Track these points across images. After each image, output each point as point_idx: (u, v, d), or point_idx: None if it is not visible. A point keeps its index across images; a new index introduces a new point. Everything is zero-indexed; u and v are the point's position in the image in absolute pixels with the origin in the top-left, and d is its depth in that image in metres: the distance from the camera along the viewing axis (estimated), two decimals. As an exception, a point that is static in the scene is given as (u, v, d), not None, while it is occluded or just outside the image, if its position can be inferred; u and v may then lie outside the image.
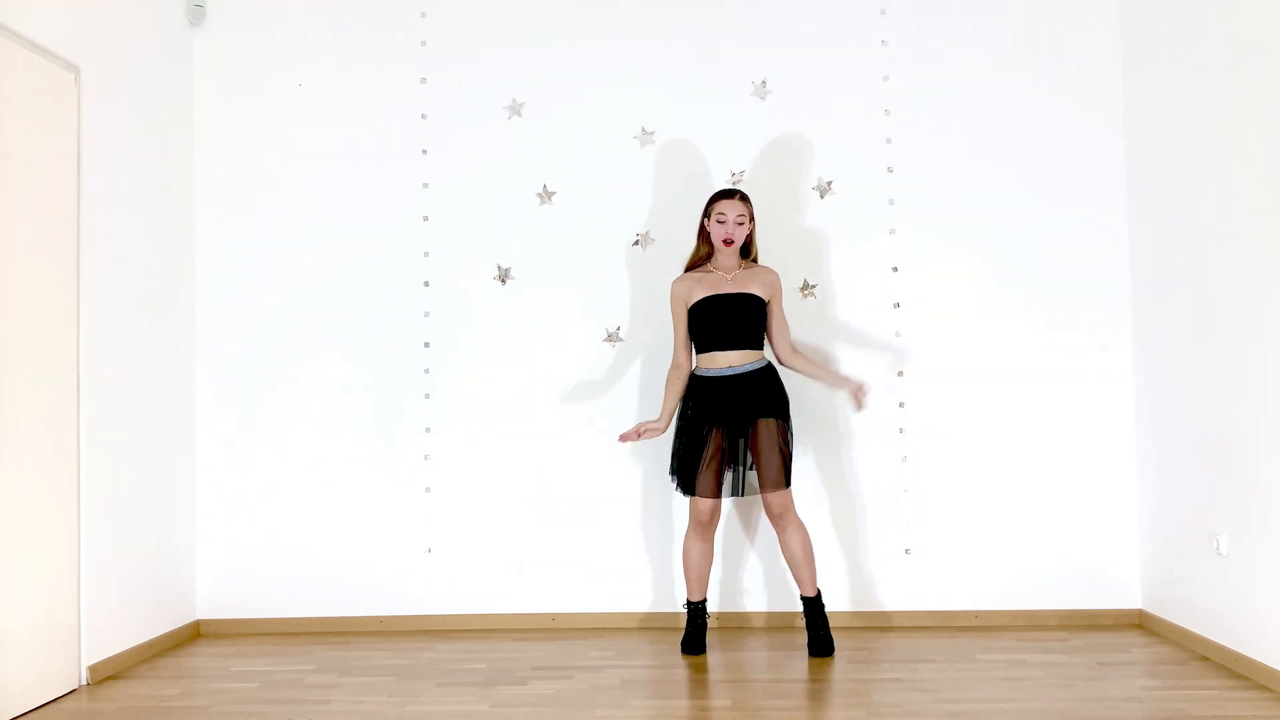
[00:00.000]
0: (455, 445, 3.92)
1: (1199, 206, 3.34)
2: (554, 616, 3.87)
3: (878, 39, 3.90)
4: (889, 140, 3.88)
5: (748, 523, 3.85)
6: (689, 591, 3.54)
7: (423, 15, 3.98)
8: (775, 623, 3.83)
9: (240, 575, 3.92)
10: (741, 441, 3.40)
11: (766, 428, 3.36)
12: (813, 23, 3.90)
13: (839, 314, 3.86)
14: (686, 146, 3.91)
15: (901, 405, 3.85)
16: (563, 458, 3.89)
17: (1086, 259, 3.82)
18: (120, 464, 3.45)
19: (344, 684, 3.23)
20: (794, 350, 3.55)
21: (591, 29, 3.94)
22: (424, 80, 3.97)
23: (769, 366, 3.46)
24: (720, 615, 3.83)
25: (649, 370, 3.88)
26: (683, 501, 3.70)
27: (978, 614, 3.80)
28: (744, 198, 3.47)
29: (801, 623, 3.70)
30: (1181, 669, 3.21)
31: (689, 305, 3.47)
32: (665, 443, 3.79)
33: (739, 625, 3.83)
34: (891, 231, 3.87)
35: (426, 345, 3.94)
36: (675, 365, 3.52)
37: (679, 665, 3.38)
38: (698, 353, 3.49)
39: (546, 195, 3.93)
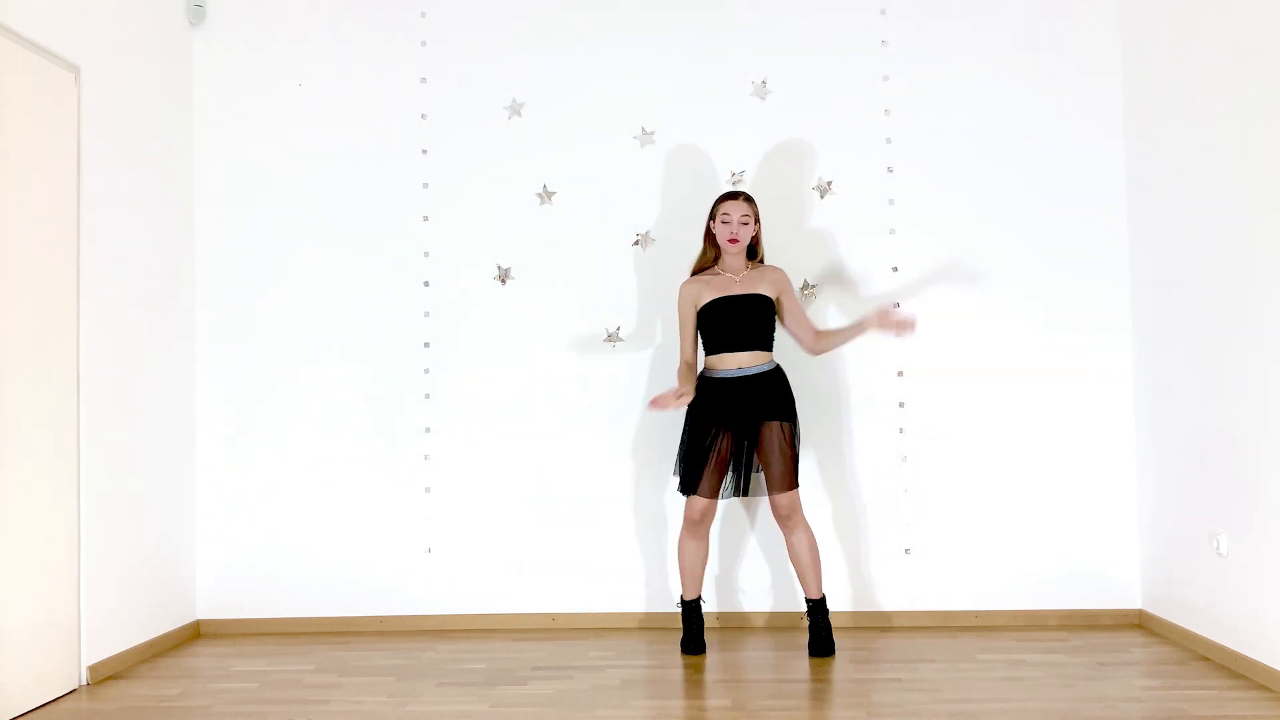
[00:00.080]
0: (455, 445, 3.92)
1: (1199, 206, 3.34)
2: (554, 616, 3.87)
3: (878, 39, 3.90)
4: (889, 140, 3.88)
5: (744, 522, 3.85)
6: (684, 590, 3.54)
7: (423, 15, 3.98)
8: (775, 623, 3.83)
9: (240, 575, 3.92)
10: (747, 443, 3.40)
11: (774, 430, 3.37)
12: (813, 23, 3.91)
13: (839, 314, 3.85)
14: (687, 147, 3.91)
15: (901, 405, 3.85)
16: (563, 458, 3.89)
17: (1086, 259, 3.82)
18: (120, 464, 3.45)
19: (344, 684, 3.23)
20: (818, 333, 3.53)
21: (591, 29, 3.94)
22: (424, 80, 3.97)
23: (777, 369, 3.46)
24: (720, 615, 3.83)
25: (649, 370, 3.88)
26: (681, 501, 3.69)
27: (978, 614, 3.81)
28: (748, 198, 3.48)
29: (801, 622, 3.71)
30: (1181, 669, 3.21)
31: (698, 307, 3.48)
32: (667, 442, 3.80)
33: (739, 625, 3.83)
34: (891, 231, 3.87)
35: (426, 345, 3.94)
36: (684, 361, 3.51)
37: (679, 665, 3.38)
38: (707, 354, 3.49)
39: (546, 195, 3.93)
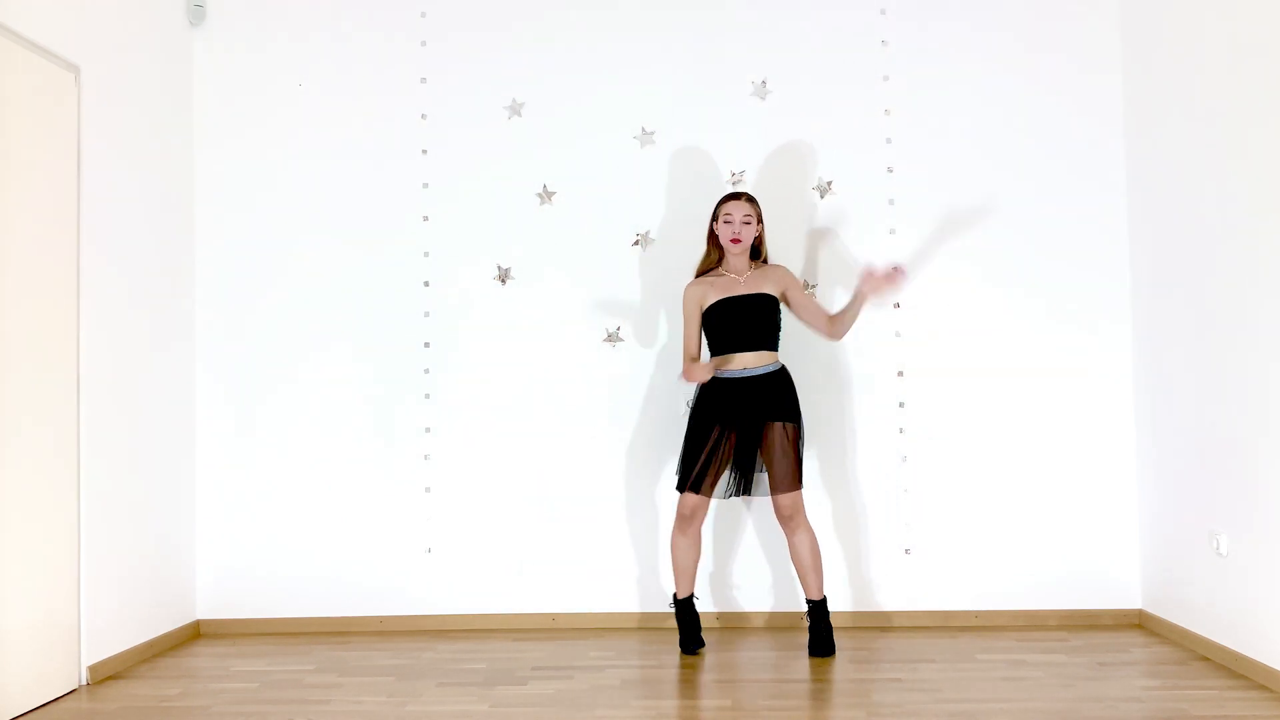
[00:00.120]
0: (455, 445, 3.92)
1: (1199, 206, 3.34)
2: (554, 616, 3.87)
3: (878, 39, 3.90)
4: (889, 140, 3.88)
5: (744, 521, 3.85)
6: (676, 587, 3.54)
7: (423, 15, 3.98)
8: (775, 623, 3.83)
9: (240, 575, 3.92)
10: (751, 443, 3.41)
11: (778, 430, 3.37)
12: (813, 23, 3.90)
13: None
14: (687, 147, 3.91)
15: (901, 405, 3.85)
16: (563, 458, 3.89)
17: (1086, 259, 3.82)
18: (120, 464, 3.45)
19: (344, 684, 3.23)
20: (831, 319, 3.50)
21: (591, 29, 3.94)
22: (424, 80, 3.97)
23: (782, 369, 3.46)
24: (720, 615, 3.83)
25: (649, 370, 3.88)
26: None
27: (978, 614, 3.81)
28: (750, 199, 3.48)
29: (801, 622, 3.71)
30: (1181, 669, 3.21)
31: (703, 308, 3.47)
32: (667, 442, 3.80)
33: (739, 625, 3.83)
34: (891, 231, 3.87)
35: (426, 345, 3.94)
36: (690, 358, 3.49)
37: (679, 665, 3.38)
38: (713, 355, 3.49)
39: (546, 195, 3.93)
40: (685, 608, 3.54)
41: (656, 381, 3.87)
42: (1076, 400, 3.81)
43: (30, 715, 2.99)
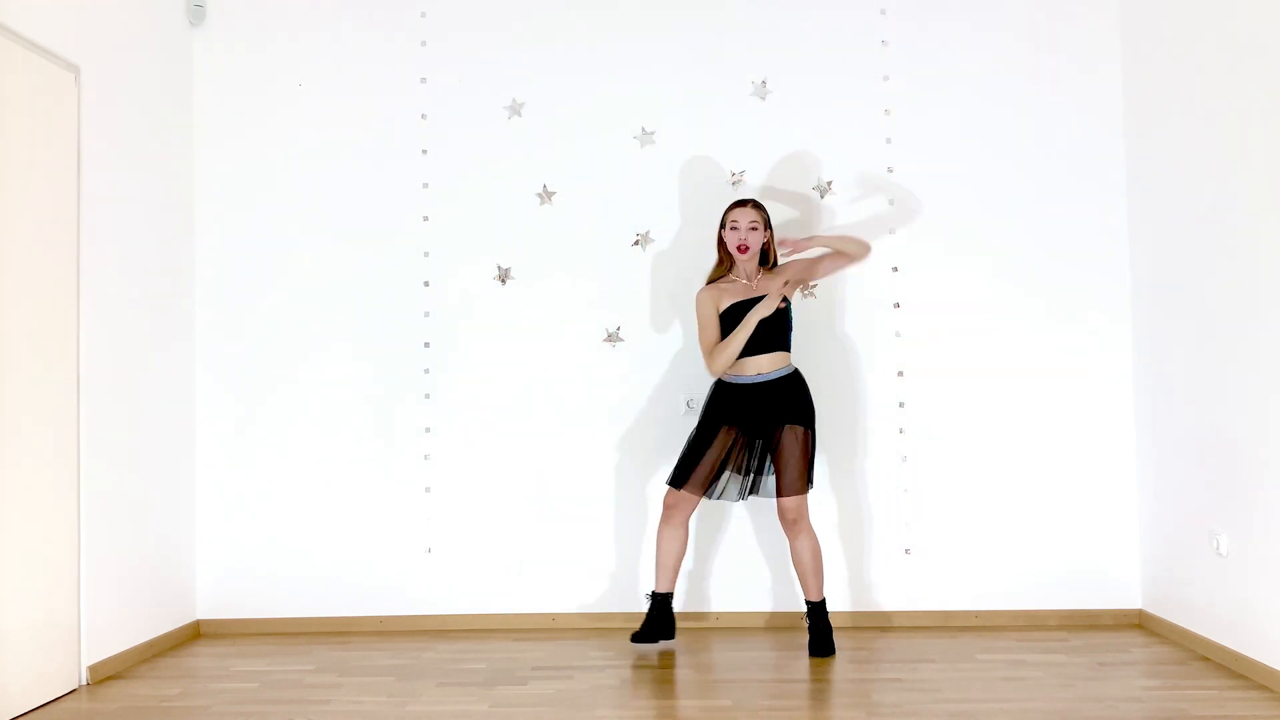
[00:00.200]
0: (455, 445, 3.92)
1: (1199, 207, 3.34)
2: (554, 616, 3.87)
3: (878, 39, 3.90)
4: (889, 140, 3.88)
5: (744, 521, 3.84)
6: (656, 580, 3.52)
7: (423, 15, 3.98)
8: (775, 623, 3.83)
9: (240, 575, 3.92)
10: (762, 445, 3.42)
11: (791, 434, 3.38)
12: (813, 23, 3.90)
13: (839, 314, 3.86)
14: (687, 147, 3.90)
15: (901, 405, 3.85)
16: (563, 458, 3.89)
17: (1087, 259, 3.82)
18: (120, 464, 3.45)
19: (344, 684, 3.23)
20: (833, 256, 3.53)
21: (591, 29, 3.94)
22: (424, 80, 3.97)
23: (796, 373, 3.47)
24: (719, 615, 3.84)
25: (650, 370, 3.88)
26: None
27: (978, 614, 3.80)
28: (757, 205, 3.49)
29: (801, 623, 3.70)
30: (1181, 669, 3.21)
31: (720, 312, 3.47)
32: (667, 442, 3.80)
33: (739, 625, 3.83)
34: (891, 231, 3.87)
35: (426, 345, 3.94)
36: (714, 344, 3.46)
37: (679, 665, 3.38)
38: None
39: (546, 195, 3.92)
40: (660, 604, 3.51)
41: (657, 381, 3.87)
42: (1076, 400, 3.81)
43: (30, 715, 2.99)
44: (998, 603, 3.80)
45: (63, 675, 3.16)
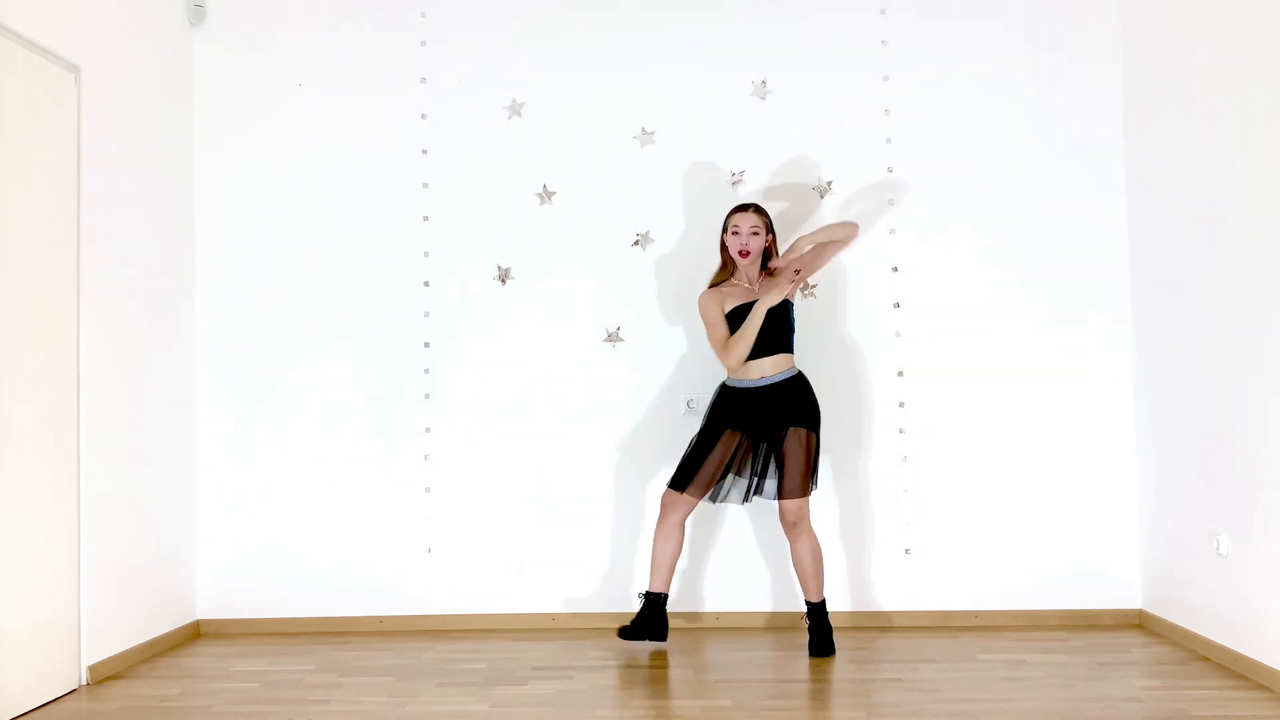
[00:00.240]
0: (455, 445, 3.92)
1: (1199, 206, 3.34)
2: (554, 616, 3.87)
3: (878, 39, 3.90)
4: (889, 140, 3.88)
5: (744, 521, 3.84)
6: (650, 581, 3.51)
7: (423, 15, 3.98)
8: (775, 623, 3.83)
9: (240, 575, 3.92)
10: (767, 448, 3.42)
11: (795, 436, 3.38)
12: (813, 23, 3.90)
13: (839, 314, 3.86)
14: (687, 146, 3.91)
15: (901, 405, 3.85)
16: (563, 458, 3.89)
17: (1087, 259, 3.82)
18: (120, 463, 3.45)
19: (344, 684, 3.23)
20: (825, 245, 3.50)
21: (591, 29, 3.94)
22: (424, 80, 3.97)
23: (800, 375, 3.47)
24: (719, 615, 3.84)
25: (649, 370, 3.88)
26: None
27: (978, 614, 3.81)
28: (758, 210, 3.49)
29: (802, 623, 3.70)
30: (1181, 669, 3.21)
31: (724, 314, 3.46)
32: (669, 443, 3.80)
33: (739, 625, 3.83)
34: (891, 231, 3.87)
35: (426, 345, 3.94)
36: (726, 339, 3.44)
37: (679, 665, 3.38)
38: None
39: (546, 195, 3.92)
40: (652, 604, 3.50)
41: (657, 381, 3.87)
42: (1076, 400, 3.81)
43: (30, 715, 2.99)
44: (998, 603, 3.80)
45: (63, 675, 3.17)
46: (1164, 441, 3.60)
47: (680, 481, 3.44)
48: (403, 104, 3.96)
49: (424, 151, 3.96)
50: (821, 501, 3.80)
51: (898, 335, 3.85)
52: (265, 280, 3.96)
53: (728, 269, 3.56)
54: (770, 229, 3.52)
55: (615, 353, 3.90)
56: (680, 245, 3.86)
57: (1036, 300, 3.83)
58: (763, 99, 3.90)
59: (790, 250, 3.45)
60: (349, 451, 3.92)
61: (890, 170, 3.87)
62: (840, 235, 3.50)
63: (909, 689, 3.05)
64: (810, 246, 3.46)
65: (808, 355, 3.71)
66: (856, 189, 3.87)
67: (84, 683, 3.25)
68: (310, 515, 3.92)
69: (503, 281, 3.93)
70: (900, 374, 3.85)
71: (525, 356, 3.91)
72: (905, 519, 3.83)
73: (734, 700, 2.98)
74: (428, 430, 3.92)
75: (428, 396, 3.93)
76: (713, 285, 3.57)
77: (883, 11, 3.89)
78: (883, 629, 3.78)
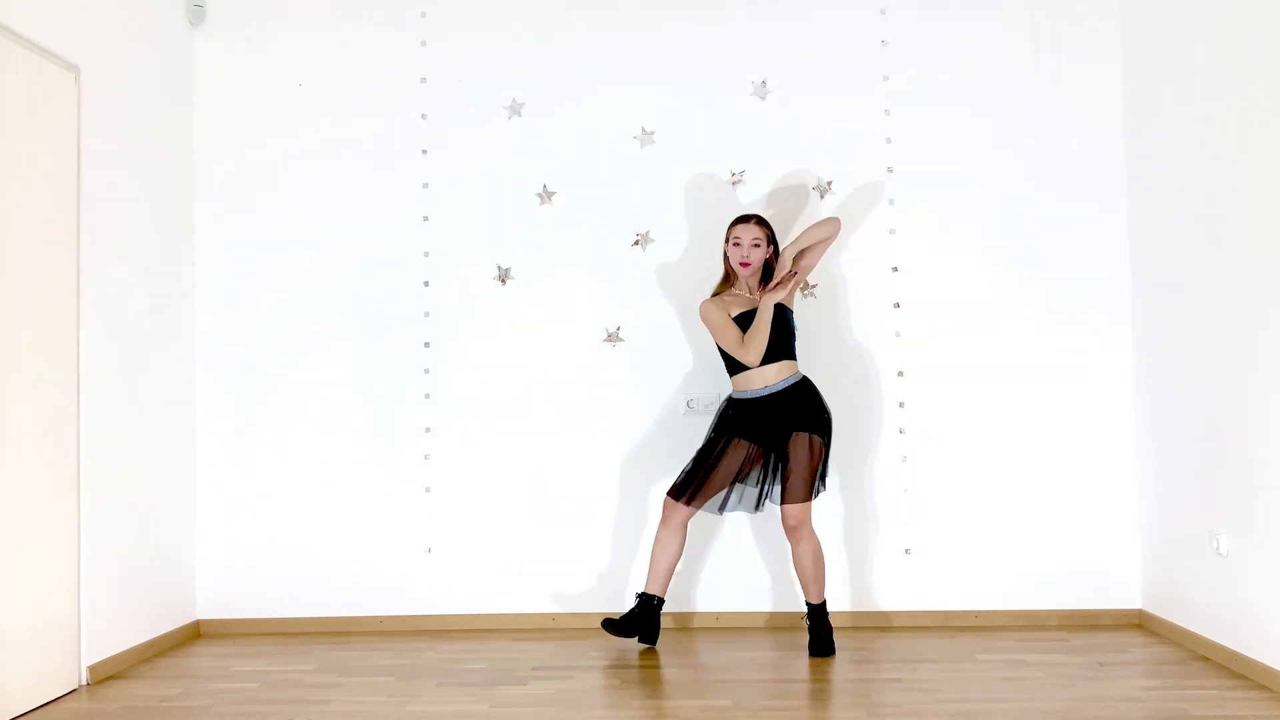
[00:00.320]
0: (455, 445, 3.92)
1: (1199, 207, 3.34)
2: (554, 616, 3.87)
3: (878, 39, 3.90)
4: (889, 140, 3.88)
5: (744, 521, 3.84)
6: (646, 582, 3.51)
7: (423, 15, 3.98)
8: (775, 623, 3.83)
9: (240, 575, 3.92)
10: (775, 456, 3.41)
11: (801, 441, 3.37)
12: (813, 23, 3.90)
13: (839, 314, 3.86)
14: (687, 146, 3.91)
15: (901, 405, 3.85)
16: (563, 458, 3.89)
17: (1087, 259, 3.82)
18: (120, 464, 3.45)
19: (344, 684, 3.23)
20: (809, 249, 3.53)
21: (591, 29, 3.94)
22: (424, 80, 3.97)
23: (805, 380, 3.46)
24: (719, 615, 3.84)
25: (648, 370, 3.88)
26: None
27: (978, 614, 3.80)
28: (760, 221, 3.49)
29: (802, 623, 3.70)
30: (1181, 669, 3.21)
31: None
32: (666, 442, 3.80)
33: (739, 625, 3.83)
34: (891, 231, 3.87)
35: (426, 345, 3.94)
36: (738, 340, 3.41)
37: (679, 665, 3.38)
38: (734, 374, 3.48)
39: (546, 195, 3.92)
40: (644, 604, 3.50)
41: (657, 381, 3.87)
42: (1076, 400, 3.81)
43: (30, 715, 2.99)
44: (998, 603, 3.80)
45: (63, 675, 3.16)
46: (1164, 441, 3.60)
47: (680, 491, 3.45)
48: (403, 104, 3.96)
49: (424, 151, 3.96)
50: (822, 501, 3.79)
51: (898, 335, 3.85)
52: (265, 280, 3.96)
53: (729, 279, 3.56)
54: (772, 239, 3.51)
55: (615, 353, 3.90)
56: (680, 245, 3.86)
57: (1036, 300, 3.83)
58: (763, 99, 3.90)
59: (778, 266, 3.47)
60: (349, 451, 3.92)
61: (890, 170, 3.87)
62: (823, 234, 3.50)
63: (909, 689, 3.05)
64: (795, 254, 3.46)
65: (808, 355, 3.71)
66: (856, 189, 3.87)
67: (84, 683, 3.25)
68: (310, 515, 3.92)
69: (503, 281, 3.93)
70: (900, 374, 3.85)
71: (525, 356, 3.91)
72: (905, 519, 3.83)
73: (734, 700, 2.98)
74: (428, 430, 3.92)
75: (428, 396, 3.93)
76: (714, 295, 3.57)
77: (883, 11, 3.89)
78: (883, 629, 3.78)
